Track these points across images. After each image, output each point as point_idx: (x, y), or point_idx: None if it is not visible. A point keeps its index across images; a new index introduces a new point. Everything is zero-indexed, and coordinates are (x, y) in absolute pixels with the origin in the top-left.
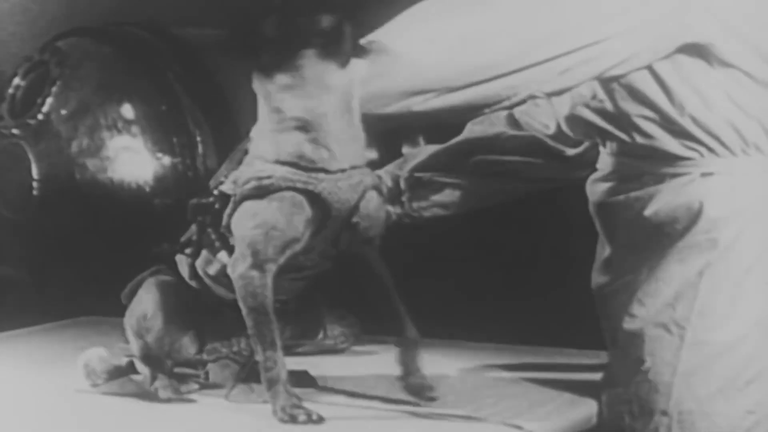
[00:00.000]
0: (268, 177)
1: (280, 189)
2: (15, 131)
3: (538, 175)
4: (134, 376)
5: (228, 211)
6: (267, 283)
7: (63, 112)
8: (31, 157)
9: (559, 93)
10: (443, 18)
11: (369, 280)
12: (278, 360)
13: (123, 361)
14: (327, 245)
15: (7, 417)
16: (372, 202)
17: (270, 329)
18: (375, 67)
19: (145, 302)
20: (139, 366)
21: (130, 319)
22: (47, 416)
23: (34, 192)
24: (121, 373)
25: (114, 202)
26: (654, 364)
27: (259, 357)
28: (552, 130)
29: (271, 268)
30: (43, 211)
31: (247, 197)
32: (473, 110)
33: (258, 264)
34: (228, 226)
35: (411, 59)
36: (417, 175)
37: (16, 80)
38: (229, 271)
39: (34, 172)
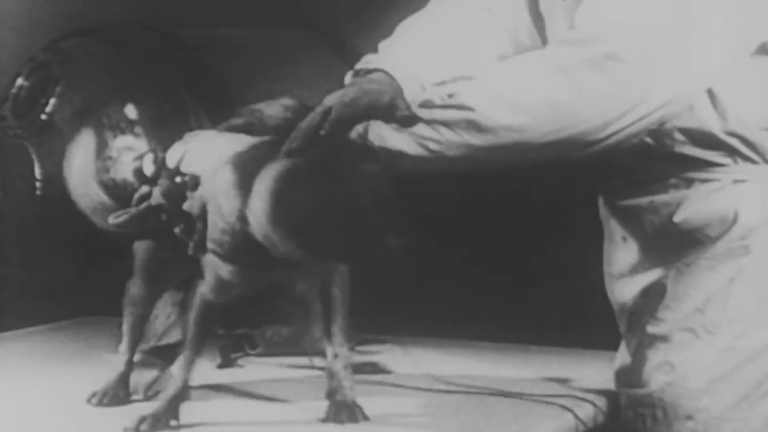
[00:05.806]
0: None
1: None
2: (18, 131)
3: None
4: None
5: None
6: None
7: (66, 112)
8: (34, 157)
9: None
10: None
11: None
12: (187, 373)
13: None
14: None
15: (8, 417)
16: None
17: (198, 345)
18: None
19: None
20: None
21: None
22: (50, 416)
23: (37, 192)
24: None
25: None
26: (681, 368)
27: (178, 367)
28: None
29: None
30: (46, 211)
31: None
32: None
33: (220, 290)
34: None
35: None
36: None
37: (20, 80)
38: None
39: (37, 172)
